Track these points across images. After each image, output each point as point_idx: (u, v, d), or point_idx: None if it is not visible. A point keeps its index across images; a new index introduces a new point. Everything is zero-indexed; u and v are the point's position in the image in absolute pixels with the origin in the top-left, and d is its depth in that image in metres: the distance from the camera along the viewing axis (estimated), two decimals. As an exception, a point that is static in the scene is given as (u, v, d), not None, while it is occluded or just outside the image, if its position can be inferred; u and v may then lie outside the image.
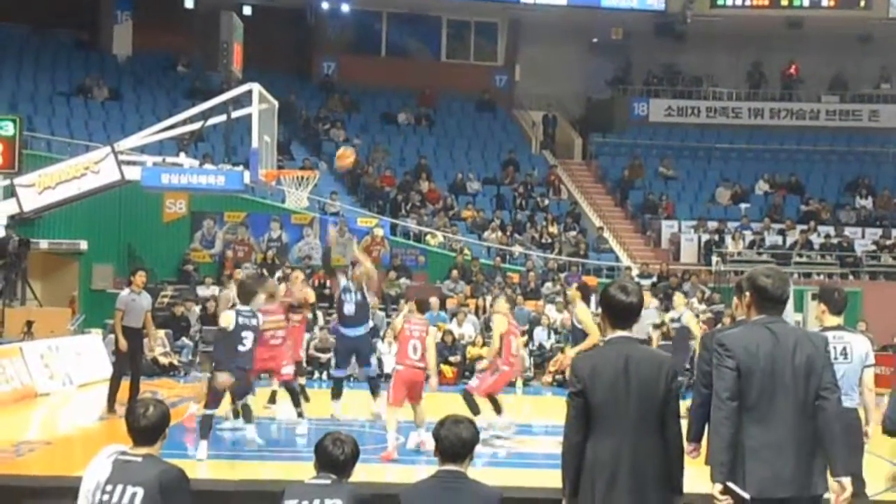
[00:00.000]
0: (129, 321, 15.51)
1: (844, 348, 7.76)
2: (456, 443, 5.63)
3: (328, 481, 5.63)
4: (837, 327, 7.93)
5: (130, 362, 15.63)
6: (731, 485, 5.58)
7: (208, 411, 12.15)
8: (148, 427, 5.75)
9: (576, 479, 5.67)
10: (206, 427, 12.01)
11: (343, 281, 15.10)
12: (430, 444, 5.90)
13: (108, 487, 5.64)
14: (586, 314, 13.71)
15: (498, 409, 14.08)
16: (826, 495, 5.74)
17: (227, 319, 12.04)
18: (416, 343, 12.68)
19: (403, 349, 12.75)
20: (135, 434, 5.77)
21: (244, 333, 11.95)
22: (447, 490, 5.58)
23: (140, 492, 5.54)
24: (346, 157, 14.82)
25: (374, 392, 15.23)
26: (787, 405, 5.57)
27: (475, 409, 13.50)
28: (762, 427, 5.56)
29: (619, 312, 5.76)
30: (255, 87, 14.18)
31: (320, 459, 5.70)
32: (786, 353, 5.60)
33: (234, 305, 12.81)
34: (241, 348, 11.97)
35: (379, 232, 27.42)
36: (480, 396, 13.97)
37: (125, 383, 15.65)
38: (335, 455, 5.66)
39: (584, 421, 5.64)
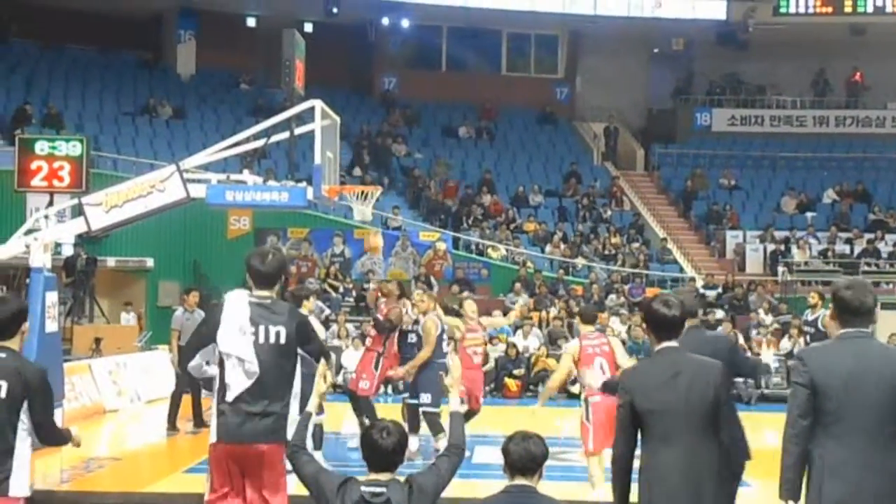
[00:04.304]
0: (185, 340, 15.65)
1: None
2: (525, 457, 5.61)
3: (383, 489, 5.46)
4: None
5: (190, 380, 15.76)
6: None
7: None
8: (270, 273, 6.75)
9: (625, 489, 5.80)
10: None
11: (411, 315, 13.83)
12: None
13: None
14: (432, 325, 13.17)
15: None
16: None
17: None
18: (603, 361, 10.54)
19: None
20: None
21: None
22: (518, 505, 5.54)
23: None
24: (373, 241, 14.50)
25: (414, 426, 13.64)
26: (869, 423, 5.46)
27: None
28: (842, 445, 5.47)
29: (663, 325, 5.90)
30: (318, 104, 14.23)
31: (368, 451, 5.55)
32: (869, 370, 5.49)
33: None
34: None
35: (441, 246, 27.44)
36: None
37: (187, 399, 15.82)
38: (384, 446, 5.50)
39: (631, 431, 5.76)
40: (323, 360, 6.54)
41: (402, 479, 5.53)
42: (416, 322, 13.64)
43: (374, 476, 5.52)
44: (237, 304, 6.57)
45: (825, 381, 5.50)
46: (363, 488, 5.46)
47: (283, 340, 6.50)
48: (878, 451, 5.46)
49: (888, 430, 5.48)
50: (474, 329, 14.49)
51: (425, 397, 13.26)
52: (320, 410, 12.41)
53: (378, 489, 5.45)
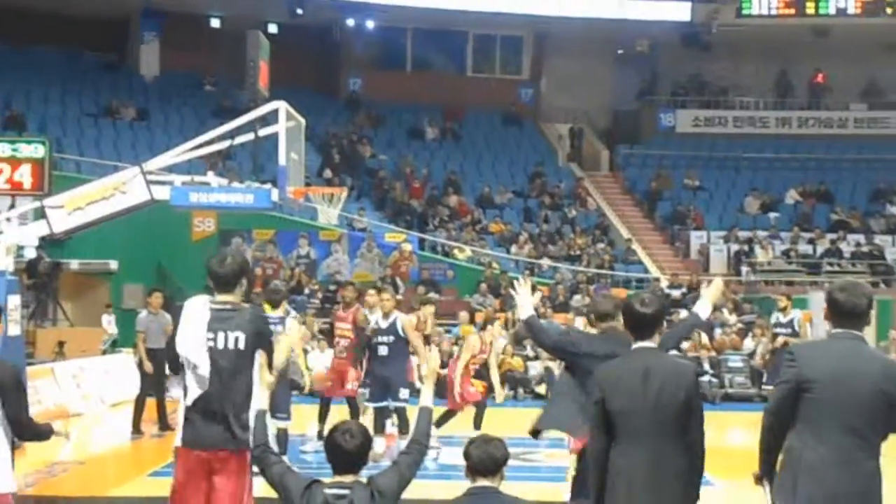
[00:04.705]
0: (150, 342, 15.61)
1: None
2: (486, 460, 5.66)
3: (346, 491, 5.45)
4: None
5: (154, 383, 15.71)
6: (765, 485, 5.69)
7: None
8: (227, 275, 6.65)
9: (600, 486, 5.83)
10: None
11: (374, 321, 13.59)
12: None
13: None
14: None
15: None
16: None
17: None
18: None
19: None
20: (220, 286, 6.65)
21: None
22: (481, 506, 5.59)
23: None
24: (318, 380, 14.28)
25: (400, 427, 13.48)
26: (853, 422, 5.51)
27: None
28: (822, 442, 5.53)
29: (637, 323, 5.96)
30: (282, 106, 14.22)
31: (332, 454, 5.54)
32: (855, 370, 5.56)
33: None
34: None
35: (407, 247, 27.43)
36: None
37: (151, 403, 15.77)
38: (347, 448, 5.48)
39: (604, 429, 5.81)
40: (262, 352, 6.51)
41: (365, 480, 5.53)
42: (366, 319, 13.65)
43: (338, 478, 5.51)
44: (196, 310, 6.54)
45: (812, 375, 5.56)
46: (327, 491, 5.46)
47: (241, 346, 6.44)
48: (858, 451, 5.50)
49: (870, 431, 5.53)
50: (485, 350, 14.99)
51: (405, 393, 13.34)
52: (287, 416, 12.41)
53: (341, 491, 5.44)
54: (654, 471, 5.66)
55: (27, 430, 6.35)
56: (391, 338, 13.46)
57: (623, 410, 5.73)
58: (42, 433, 6.46)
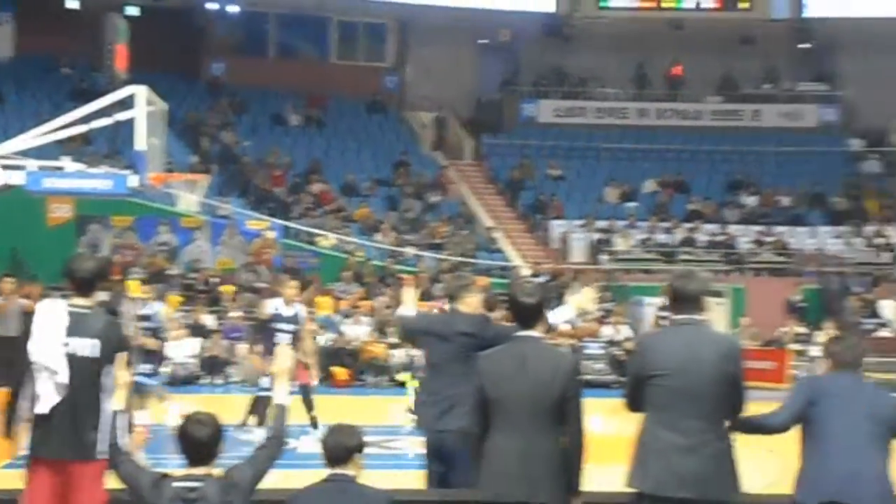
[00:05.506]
0: (1, 330, 15.23)
1: None
2: (337, 448, 5.69)
3: (199, 484, 5.35)
4: None
5: (7, 372, 15.27)
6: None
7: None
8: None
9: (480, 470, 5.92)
10: None
11: (276, 308, 13.57)
12: None
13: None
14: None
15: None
16: None
17: None
18: None
19: None
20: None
21: None
22: (334, 493, 5.63)
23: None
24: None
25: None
26: (702, 408, 5.68)
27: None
28: (668, 427, 5.67)
29: (521, 313, 6.03)
30: (140, 90, 14.04)
31: (183, 444, 5.42)
32: (698, 357, 5.73)
33: None
34: None
35: (270, 235, 27.21)
36: None
37: (3, 394, 15.34)
38: (198, 437, 5.37)
39: (482, 415, 5.90)
40: (124, 353, 6.40)
41: (218, 472, 5.44)
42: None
43: (189, 471, 5.40)
44: (51, 314, 6.35)
45: (656, 366, 5.73)
46: (176, 484, 5.34)
47: (96, 353, 6.25)
48: (707, 433, 5.67)
49: (717, 413, 5.72)
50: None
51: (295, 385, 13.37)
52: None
53: (193, 484, 5.33)
54: (526, 459, 5.72)
55: None
56: (293, 326, 13.34)
57: (499, 398, 5.81)
58: None
